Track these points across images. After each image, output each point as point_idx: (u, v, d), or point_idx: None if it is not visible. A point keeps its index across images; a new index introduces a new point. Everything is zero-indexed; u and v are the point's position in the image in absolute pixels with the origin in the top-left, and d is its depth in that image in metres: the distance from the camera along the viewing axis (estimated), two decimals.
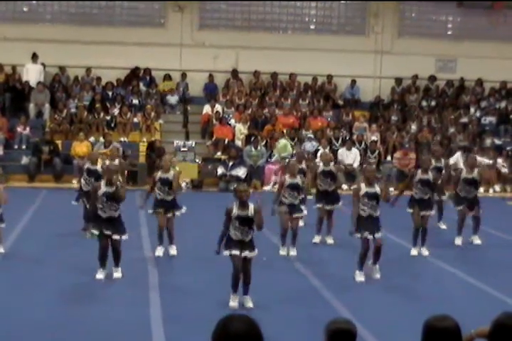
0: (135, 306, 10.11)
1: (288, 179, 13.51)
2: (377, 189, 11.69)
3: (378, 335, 8.83)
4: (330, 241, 14.86)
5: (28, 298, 10.28)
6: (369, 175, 11.82)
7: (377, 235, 11.59)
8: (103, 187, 11.40)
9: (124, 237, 11.44)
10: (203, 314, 9.24)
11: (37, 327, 9.10)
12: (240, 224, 9.87)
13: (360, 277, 11.75)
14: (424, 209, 13.86)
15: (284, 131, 24.61)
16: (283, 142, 23.84)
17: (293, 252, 13.58)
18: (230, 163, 23.04)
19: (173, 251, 13.26)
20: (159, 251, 13.22)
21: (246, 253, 9.92)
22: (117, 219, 11.43)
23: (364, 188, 11.65)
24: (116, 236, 11.33)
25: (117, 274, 11.61)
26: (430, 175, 13.97)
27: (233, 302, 10.06)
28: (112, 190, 11.36)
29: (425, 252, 13.88)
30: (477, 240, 15.16)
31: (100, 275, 11.44)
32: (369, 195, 11.58)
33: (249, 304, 10.11)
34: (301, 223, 14.32)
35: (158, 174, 13.16)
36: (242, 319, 4.00)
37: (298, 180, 13.55)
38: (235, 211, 9.87)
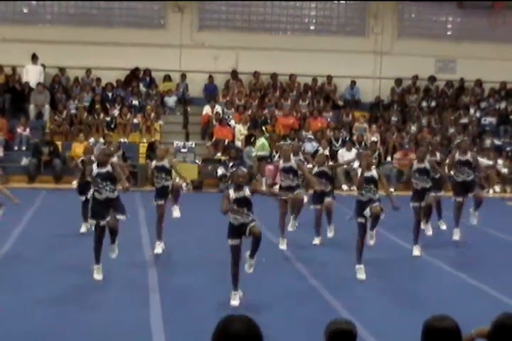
0: (135, 307, 10.09)
1: (282, 163, 13.70)
2: (374, 173, 11.89)
3: (378, 336, 8.83)
4: (330, 233, 14.92)
5: (27, 299, 10.26)
6: (367, 160, 12.08)
7: (375, 204, 11.72)
8: (95, 169, 11.37)
9: (122, 217, 11.34)
10: (203, 315, 9.24)
11: (36, 328, 9.07)
12: (238, 205, 9.88)
13: (360, 274, 11.77)
14: (427, 194, 13.90)
15: (264, 129, 24.54)
16: (262, 141, 23.81)
17: (291, 228, 14.00)
18: (230, 164, 23.05)
19: (176, 212, 13.45)
20: (158, 248, 13.16)
21: (250, 224, 9.87)
22: (115, 199, 11.34)
23: (360, 171, 11.95)
24: (113, 219, 11.21)
25: (113, 254, 11.59)
26: (427, 164, 13.92)
27: (234, 301, 10.04)
28: (105, 170, 11.31)
29: (428, 232, 14.17)
30: (474, 220, 15.12)
31: (98, 275, 11.36)
32: (367, 179, 11.76)
33: (250, 270, 10.19)
34: (305, 199, 14.36)
35: (153, 163, 13.33)
36: (242, 319, 4.00)
37: (292, 163, 13.66)
38: (232, 195, 9.88)
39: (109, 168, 11.37)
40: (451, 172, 15.12)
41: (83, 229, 14.55)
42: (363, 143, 24.88)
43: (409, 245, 14.00)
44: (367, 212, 11.69)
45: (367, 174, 11.78)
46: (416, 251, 13.69)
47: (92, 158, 14.24)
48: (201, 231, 15.00)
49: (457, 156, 14.98)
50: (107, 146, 19.97)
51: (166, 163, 13.20)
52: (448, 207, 16.05)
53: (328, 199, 14.59)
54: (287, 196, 13.47)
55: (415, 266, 13.19)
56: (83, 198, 14.42)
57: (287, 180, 13.64)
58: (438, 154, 16.42)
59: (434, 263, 13.33)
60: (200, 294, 10.67)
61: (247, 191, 9.93)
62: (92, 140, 23.94)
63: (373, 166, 13.20)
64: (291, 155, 13.93)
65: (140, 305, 10.11)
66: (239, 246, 9.96)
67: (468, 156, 14.98)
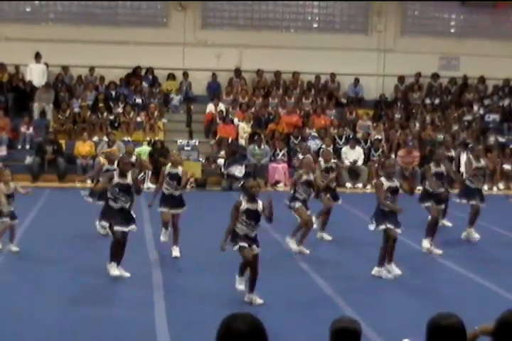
0: (140, 307, 10.08)
1: (304, 175, 13.45)
2: (397, 183, 11.68)
3: (383, 333, 8.82)
4: (327, 237, 14.82)
5: (32, 298, 10.28)
6: (390, 170, 11.82)
7: (398, 230, 11.57)
8: (116, 178, 11.35)
9: (134, 228, 11.42)
10: (208, 314, 9.21)
11: (42, 327, 9.08)
12: (248, 218, 9.84)
13: (383, 273, 11.70)
14: (437, 203, 14.00)
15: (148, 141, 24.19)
16: (144, 149, 23.43)
17: (293, 246, 13.51)
18: (228, 161, 23.12)
19: (176, 252, 13.08)
20: (163, 237, 13.25)
21: (253, 248, 9.89)
22: (128, 210, 11.41)
23: (386, 183, 11.59)
24: (124, 228, 11.29)
25: (120, 272, 11.47)
26: (443, 168, 14.01)
27: (240, 285, 10.09)
28: (125, 181, 11.32)
29: (438, 251, 13.85)
30: (475, 234, 15.11)
31: (115, 271, 11.35)
32: (391, 189, 11.56)
33: (259, 300, 10.03)
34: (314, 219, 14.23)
35: (167, 168, 13.08)
36: (246, 318, 4.00)
37: (312, 176, 13.49)
38: (244, 204, 9.83)
39: (129, 180, 11.38)
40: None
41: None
42: (367, 141, 24.86)
43: (416, 244, 13.96)
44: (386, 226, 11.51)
45: (391, 184, 11.56)
46: (426, 243, 13.72)
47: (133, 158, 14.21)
48: (205, 229, 14.97)
49: (474, 164, 15.08)
50: (125, 153, 19.77)
51: (179, 171, 13.02)
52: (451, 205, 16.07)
53: (330, 202, 14.63)
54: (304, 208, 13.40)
55: (421, 264, 13.16)
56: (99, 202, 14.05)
57: (305, 194, 13.42)
58: (442, 166, 16.46)
59: (439, 261, 13.31)
60: (205, 293, 10.65)
61: (259, 205, 9.89)
62: (95, 138, 23.99)
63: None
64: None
65: (145, 305, 10.11)
66: (247, 247, 9.85)
67: (483, 163, 15.17)
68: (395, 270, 11.74)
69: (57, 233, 14.92)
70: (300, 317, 9.68)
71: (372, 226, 11.65)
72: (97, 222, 13.52)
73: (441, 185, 14.05)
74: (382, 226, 11.49)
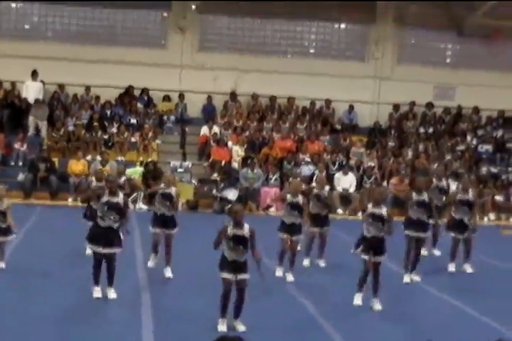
0: (127, 327, 10.01)
1: (289, 197, 13.30)
2: (383, 211, 11.49)
3: None
4: (322, 264, 14.83)
5: (19, 316, 10.20)
6: (378, 197, 11.69)
7: (380, 258, 11.47)
8: (106, 196, 11.28)
9: (118, 250, 11.30)
10: (196, 337, 9.20)
11: None
12: (235, 243, 9.75)
13: (357, 300, 11.63)
14: (420, 231, 13.81)
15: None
16: (138, 170, 23.46)
17: (290, 278, 13.33)
18: (221, 185, 23.12)
19: (168, 273, 13.03)
20: (152, 262, 13.17)
21: (240, 277, 9.78)
22: (115, 230, 11.31)
23: (371, 209, 11.47)
24: (110, 250, 11.20)
25: (112, 294, 11.43)
26: (426, 196, 13.86)
27: (222, 326, 9.86)
28: (115, 200, 11.26)
29: (417, 278, 13.79)
30: (469, 268, 15.06)
31: (97, 293, 11.32)
32: (375, 216, 11.41)
33: (241, 327, 9.93)
34: (298, 247, 14.05)
35: (160, 188, 13.10)
36: (235, 340, 3.99)
37: (299, 199, 13.29)
38: (230, 230, 9.75)
39: (120, 199, 11.33)
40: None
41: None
42: (360, 168, 24.90)
43: (401, 270, 13.97)
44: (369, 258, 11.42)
45: (376, 211, 11.43)
46: (406, 278, 13.65)
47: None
48: (195, 251, 14.92)
49: (459, 196, 14.89)
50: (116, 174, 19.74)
51: (172, 191, 13.02)
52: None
53: (324, 228, 14.57)
54: (288, 237, 13.25)
55: (411, 293, 13.14)
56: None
57: (292, 217, 13.22)
58: (425, 194, 16.44)
59: (428, 291, 13.29)
60: (193, 316, 10.59)
61: (246, 230, 9.79)
62: (89, 157, 23.97)
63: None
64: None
65: (133, 325, 10.03)
66: (230, 281, 9.76)
67: (470, 196, 14.97)
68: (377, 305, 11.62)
69: (48, 250, 14.87)
70: None
71: (352, 250, 11.67)
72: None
73: (424, 212, 13.86)
74: (363, 255, 11.43)
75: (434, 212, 14.56)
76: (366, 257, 11.39)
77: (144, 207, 21.48)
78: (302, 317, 10.92)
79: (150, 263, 13.35)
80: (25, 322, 9.94)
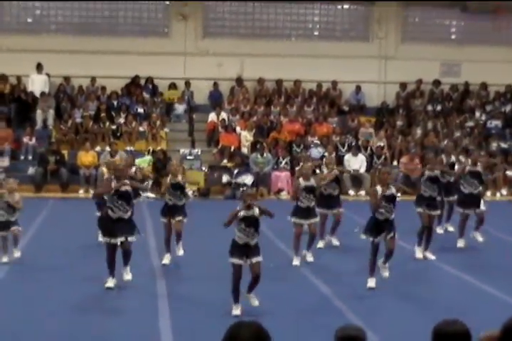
0: (144, 315, 10.12)
1: (302, 182, 13.30)
2: (393, 191, 11.51)
3: None
4: (336, 242, 14.98)
5: (36, 308, 10.33)
6: (383, 177, 11.65)
7: (390, 235, 11.42)
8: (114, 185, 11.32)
9: (132, 239, 11.34)
10: (212, 323, 9.23)
11: (46, 336, 9.14)
12: (246, 225, 9.84)
13: (371, 283, 11.59)
14: (432, 208, 13.90)
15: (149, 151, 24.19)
16: (148, 159, 23.50)
17: (310, 258, 13.47)
18: (236, 171, 23.10)
19: (180, 251, 13.20)
20: (166, 259, 13.19)
21: (253, 259, 9.84)
22: (127, 220, 11.37)
23: (380, 191, 11.45)
24: (123, 239, 11.24)
25: (127, 276, 11.55)
26: (438, 173, 13.99)
27: (236, 311, 9.90)
28: (124, 189, 11.29)
29: (431, 256, 13.85)
30: (479, 237, 15.11)
31: (110, 283, 11.38)
32: (386, 197, 11.39)
33: (255, 301, 10.06)
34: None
35: (168, 179, 13.15)
36: (252, 326, 4.00)
37: (312, 182, 13.32)
38: (241, 213, 9.85)
39: (128, 187, 11.38)
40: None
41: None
42: (369, 148, 24.93)
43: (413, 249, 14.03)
44: (381, 238, 11.44)
45: (387, 193, 11.39)
46: (419, 253, 13.78)
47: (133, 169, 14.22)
48: (208, 238, 15.01)
49: (468, 168, 15.03)
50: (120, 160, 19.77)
51: (180, 179, 13.12)
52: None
53: (336, 210, 14.69)
54: (304, 222, 13.26)
55: (425, 271, 13.21)
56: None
57: (307, 201, 13.18)
58: (453, 156, 16.61)
59: (441, 268, 13.34)
60: (209, 302, 10.68)
61: (256, 211, 9.89)
62: (98, 148, 24.09)
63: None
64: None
65: (149, 314, 10.14)
66: (240, 266, 9.85)
67: (479, 168, 15.09)
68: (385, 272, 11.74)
69: (61, 243, 14.99)
70: (305, 324, 9.69)
71: (363, 236, 11.65)
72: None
73: (435, 189, 13.99)
74: (371, 238, 11.46)
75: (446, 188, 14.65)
76: (371, 238, 11.44)
77: (152, 195, 21.45)
78: (318, 300, 10.96)
79: (165, 261, 13.23)
80: (42, 312, 10.06)
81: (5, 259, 13.06)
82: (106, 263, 11.37)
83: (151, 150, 24.06)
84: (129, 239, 11.30)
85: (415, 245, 13.91)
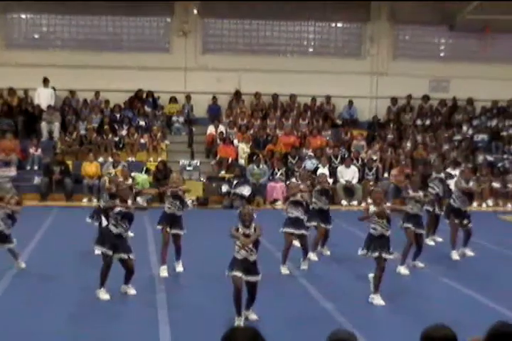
0: (144, 324, 10.04)
1: (291, 198, 13.58)
2: (383, 208, 11.39)
3: None
4: (327, 252, 15.24)
5: (38, 315, 10.29)
6: (376, 196, 11.60)
7: (389, 256, 11.42)
8: (118, 207, 11.42)
9: (133, 256, 11.39)
10: (212, 332, 8.99)
11: None
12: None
13: (378, 300, 11.41)
14: (419, 226, 14.03)
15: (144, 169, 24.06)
16: (142, 177, 23.29)
17: (304, 266, 13.63)
18: (235, 182, 23.46)
19: (179, 267, 13.22)
20: (164, 271, 13.00)
21: (249, 278, 9.88)
22: (125, 238, 11.42)
23: (372, 208, 11.43)
24: (125, 256, 11.30)
25: (131, 291, 11.65)
26: (421, 193, 14.19)
27: (239, 322, 9.80)
28: (126, 209, 11.40)
29: (420, 264, 14.15)
30: (469, 252, 15.43)
31: (105, 295, 11.32)
32: (378, 214, 11.32)
33: (254, 317, 10.09)
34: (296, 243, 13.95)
35: (170, 189, 13.19)
36: (248, 330, 4.09)
37: (299, 197, 13.54)
38: (240, 230, 9.93)
39: (132, 210, 11.45)
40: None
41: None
42: (360, 159, 25.20)
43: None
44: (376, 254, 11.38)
45: (379, 209, 11.34)
46: (403, 270, 13.75)
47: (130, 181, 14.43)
48: (207, 247, 15.13)
49: (461, 185, 15.37)
50: (119, 170, 20.16)
51: (180, 191, 13.19)
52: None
53: (323, 226, 14.73)
54: (295, 231, 13.43)
55: (417, 281, 13.22)
56: (99, 222, 14.32)
57: (296, 212, 13.40)
58: (442, 174, 17.26)
59: (432, 277, 13.44)
60: (208, 311, 10.60)
61: (253, 228, 9.95)
62: (101, 159, 24.42)
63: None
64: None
65: (149, 322, 10.08)
66: (240, 278, 9.81)
67: (471, 185, 15.52)
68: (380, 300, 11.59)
69: (65, 251, 14.95)
70: (299, 332, 9.75)
71: (360, 251, 11.56)
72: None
73: (420, 208, 14.18)
74: (373, 254, 11.38)
75: (434, 201, 15.34)
76: (376, 254, 11.35)
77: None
78: (313, 310, 10.94)
79: (163, 273, 13.02)
80: (43, 321, 10.05)
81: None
82: (100, 274, 11.29)
83: (144, 169, 24.00)
84: (131, 256, 11.32)
85: (400, 264, 13.66)
